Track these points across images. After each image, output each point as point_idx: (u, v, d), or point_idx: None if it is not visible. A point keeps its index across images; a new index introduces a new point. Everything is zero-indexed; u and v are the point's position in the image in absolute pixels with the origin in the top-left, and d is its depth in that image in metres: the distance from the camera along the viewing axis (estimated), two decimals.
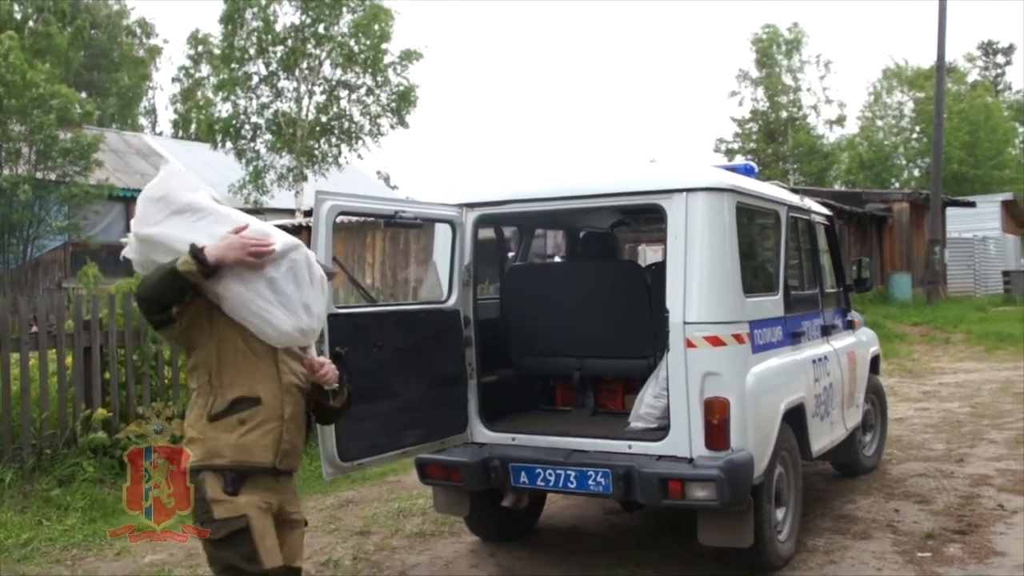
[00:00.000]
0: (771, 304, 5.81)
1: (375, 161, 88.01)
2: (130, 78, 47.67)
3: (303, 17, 27.39)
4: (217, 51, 28.36)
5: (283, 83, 28.05)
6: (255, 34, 27.21)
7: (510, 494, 5.89)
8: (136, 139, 35.52)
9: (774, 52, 51.67)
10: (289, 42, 27.35)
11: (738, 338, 5.18)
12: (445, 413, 5.63)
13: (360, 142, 28.71)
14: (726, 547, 5.49)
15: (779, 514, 5.75)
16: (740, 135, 53.79)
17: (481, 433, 5.79)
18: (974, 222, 34.12)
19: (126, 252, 3.77)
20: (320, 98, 28.25)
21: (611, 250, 7.38)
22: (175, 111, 51.63)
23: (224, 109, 29.13)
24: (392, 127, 28.66)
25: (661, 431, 5.29)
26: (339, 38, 27.54)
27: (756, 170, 6.69)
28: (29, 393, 7.61)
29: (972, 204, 32.78)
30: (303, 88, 27.94)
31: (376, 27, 27.20)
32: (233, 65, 27.49)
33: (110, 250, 26.91)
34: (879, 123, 53.35)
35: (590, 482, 5.29)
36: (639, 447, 5.28)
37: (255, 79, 27.87)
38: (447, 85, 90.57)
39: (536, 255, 10.14)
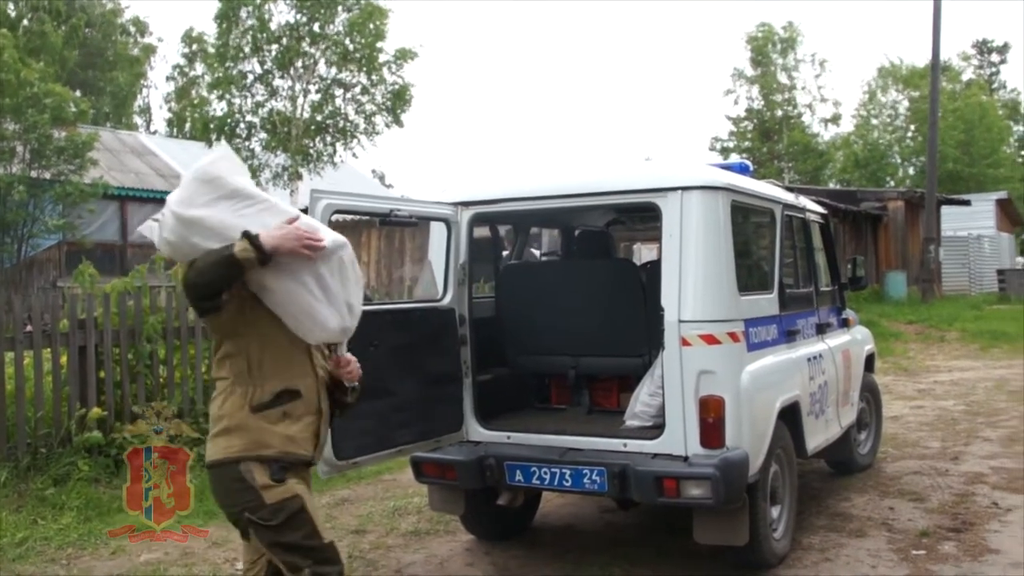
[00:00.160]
0: (766, 302, 5.82)
1: (370, 160, 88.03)
2: (125, 77, 47.59)
3: (298, 16, 27.34)
4: (211, 49, 28.27)
5: (278, 82, 27.98)
6: (250, 32, 27.16)
7: (505, 493, 5.89)
8: (131, 138, 35.43)
9: (769, 51, 51.73)
10: (284, 40, 27.29)
11: (733, 336, 5.19)
12: (440, 412, 5.64)
13: (355, 141, 28.67)
14: (721, 545, 5.49)
15: (774, 512, 5.76)
16: (735, 133, 53.82)
17: (476, 432, 5.79)
18: (969, 220, 34.19)
19: (162, 231, 3.63)
20: (315, 97, 28.19)
21: (606, 248, 7.38)
22: (169, 110, 51.62)
23: (219, 108, 29.09)
24: (387, 126, 28.60)
25: (656, 429, 5.29)
26: (334, 36, 27.49)
27: (751, 168, 6.69)
28: (24, 392, 7.60)
29: (967, 202, 32.86)
30: (298, 87, 27.87)
31: (371, 26, 27.15)
32: (228, 63, 27.43)
33: (105, 249, 26.94)
34: (874, 122, 53.45)
35: (585, 480, 5.29)
36: (634, 445, 5.29)
37: (250, 78, 27.82)
38: (442, 83, 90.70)
39: (542, 252, 10.15)
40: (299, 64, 27.62)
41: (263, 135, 28.08)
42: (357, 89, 28.26)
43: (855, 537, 6.37)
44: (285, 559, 3.68)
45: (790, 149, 51.12)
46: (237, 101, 28.00)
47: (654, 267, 5.85)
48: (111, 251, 27.53)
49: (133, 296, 8.41)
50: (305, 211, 4.07)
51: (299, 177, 27.54)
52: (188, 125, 44.27)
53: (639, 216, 7.71)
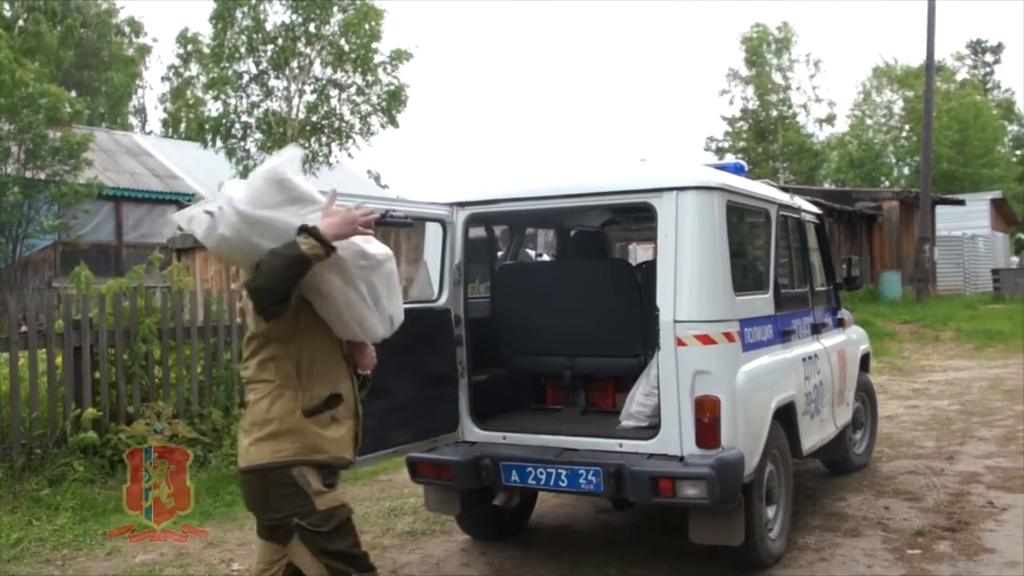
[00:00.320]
0: (761, 302, 5.82)
1: (366, 160, 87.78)
2: (120, 77, 47.52)
3: (293, 16, 27.33)
4: (207, 50, 28.25)
5: (273, 82, 27.96)
6: (245, 33, 27.14)
7: (501, 493, 5.89)
8: (126, 138, 35.39)
9: (764, 51, 51.75)
10: (279, 41, 27.28)
11: (728, 336, 5.19)
12: (436, 412, 5.64)
13: (351, 141, 28.66)
14: (717, 545, 5.50)
15: (770, 512, 5.77)
16: (730, 134, 53.83)
17: (472, 432, 5.79)
18: (963, 220, 34.24)
19: (218, 226, 3.57)
20: (310, 97, 28.19)
21: (602, 249, 7.38)
22: (165, 110, 51.57)
23: (214, 108, 29.07)
24: (383, 126, 28.60)
25: (652, 429, 5.29)
26: (329, 37, 27.48)
27: (746, 169, 6.70)
28: (19, 393, 7.59)
29: (961, 202, 32.90)
30: (293, 87, 27.86)
31: (366, 26, 27.14)
32: (223, 64, 27.41)
33: (100, 249, 26.91)
34: (869, 122, 53.48)
35: (581, 480, 5.30)
36: (630, 445, 5.29)
37: (245, 78, 27.80)
38: (438, 84, 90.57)
39: (537, 253, 10.16)
40: (294, 64, 27.60)
41: (258, 136, 28.06)
42: (352, 90, 28.26)
43: (850, 537, 6.37)
44: (332, 566, 3.68)
45: (785, 149, 51.14)
46: (232, 101, 27.99)
47: (649, 267, 5.85)
48: (106, 251, 27.51)
49: (128, 297, 8.40)
50: None
51: None
52: (183, 126, 44.25)
53: (634, 216, 7.72)
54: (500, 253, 7.71)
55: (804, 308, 6.71)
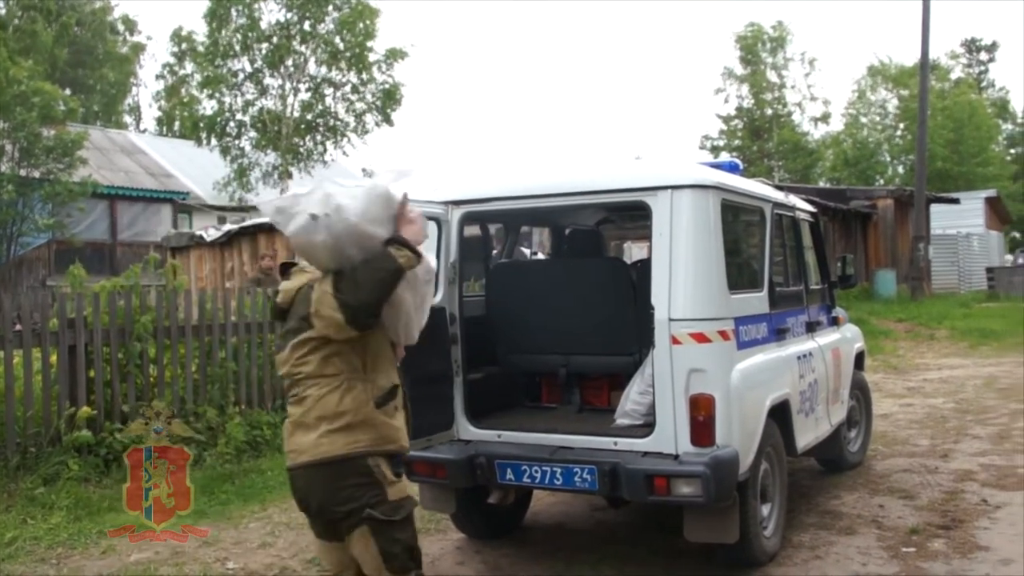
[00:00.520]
0: (756, 301, 5.82)
1: (360, 158, 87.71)
2: (114, 75, 47.47)
3: (288, 14, 27.32)
4: (201, 48, 28.23)
5: (268, 80, 28.00)
6: (240, 31, 27.13)
7: (496, 491, 5.88)
8: (120, 136, 35.37)
9: (759, 50, 51.81)
10: (274, 39, 27.28)
11: (723, 335, 5.19)
12: (431, 410, 5.62)
13: (345, 139, 28.69)
14: (712, 543, 5.50)
15: (764, 510, 5.77)
16: (725, 132, 53.93)
17: (467, 430, 5.79)
18: (958, 219, 34.32)
19: (319, 232, 3.62)
20: (305, 95, 28.20)
21: (597, 247, 7.38)
22: (159, 108, 51.51)
23: (209, 106, 29.07)
24: (377, 124, 28.64)
25: (647, 427, 5.29)
26: (324, 35, 27.48)
27: (741, 167, 6.70)
28: (13, 391, 7.58)
29: (956, 201, 32.93)
30: (288, 85, 27.88)
31: (361, 25, 27.14)
32: (218, 62, 27.40)
33: (94, 248, 26.88)
34: (864, 120, 53.56)
35: (576, 479, 5.29)
36: (625, 443, 5.29)
37: (240, 76, 27.79)
38: (432, 82, 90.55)
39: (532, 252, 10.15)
40: (289, 63, 27.61)
41: (253, 134, 28.10)
42: (347, 88, 28.27)
43: (845, 535, 6.38)
44: (397, 557, 3.75)
45: (780, 148, 51.23)
46: (227, 100, 28.00)
47: (644, 266, 5.85)
48: (101, 250, 27.48)
49: (123, 295, 8.39)
50: None
51: (289, 175, 27.55)
52: (178, 124, 44.22)
53: (629, 215, 7.70)
54: (495, 251, 7.70)
55: (799, 306, 6.71)
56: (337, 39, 27.50)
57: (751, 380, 5.34)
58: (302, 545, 6.45)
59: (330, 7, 27.34)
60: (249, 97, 28.05)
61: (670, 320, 5.06)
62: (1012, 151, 59.16)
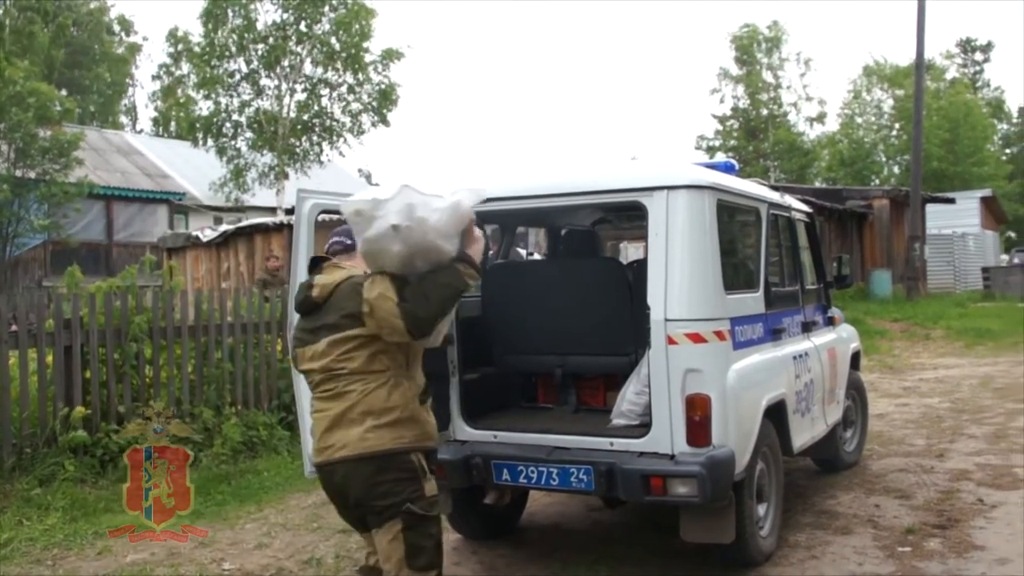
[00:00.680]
0: (752, 301, 5.83)
1: (357, 159, 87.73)
2: (111, 75, 47.41)
3: (284, 15, 27.30)
4: (197, 49, 28.20)
5: (264, 81, 27.95)
6: (236, 32, 27.11)
7: (492, 492, 5.88)
8: (117, 137, 35.35)
9: (754, 50, 51.81)
10: (270, 40, 27.25)
11: (719, 335, 5.19)
12: None
13: (341, 140, 28.66)
14: (708, 543, 5.50)
15: (761, 510, 5.77)
16: (721, 132, 53.91)
17: (463, 431, 5.78)
18: (954, 218, 34.37)
19: (396, 241, 3.71)
20: (301, 96, 28.17)
21: (593, 247, 7.38)
22: (155, 109, 51.45)
23: (205, 107, 29.04)
24: (373, 125, 28.61)
25: (643, 428, 5.29)
26: (320, 36, 27.46)
27: (737, 167, 6.69)
28: (9, 392, 7.57)
29: (952, 201, 32.99)
30: (284, 86, 27.84)
31: (357, 25, 27.11)
32: (214, 62, 27.37)
33: (90, 248, 26.85)
34: (859, 120, 53.57)
35: (572, 479, 5.29)
36: (621, 444, 5.28)
37: (236, 76, 27.76)
38: (429, 82, 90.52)
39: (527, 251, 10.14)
40: (285, 63, 27.58)
41: (249, 134, 28.05)
42: (343, 88, 28.24)
43: (841, 534, 6.38)
44: (425, 552, 3.79)
45: (776, 148, 51.22)
46: (223, 100, 27.96)
47: (640, 266, 5.85)
48: (96, 251, 27.46)
49: (119, 296, 8.38)
50: (291, 211, 4.13)
51: (285, 176, 27.52)
52: (174, 124, 44.18)
53: (625, 215, 7.71)
54: (491, 252, 7.69)
55: (794, 306, 6.72)
56: (333, 40, 27.47)
57: (747, 380, 5.35)
58: (298, 546, 6.46)
59: (326, 8, 27.30)
60: (245, 98, 28.01)
61: (666, 320, 5.06)
62: (1007, 151, 59.32)
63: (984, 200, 39.26)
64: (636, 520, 6.86)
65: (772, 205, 6.43)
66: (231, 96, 27.98)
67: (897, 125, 50.60)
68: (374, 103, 28.28)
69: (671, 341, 5.05)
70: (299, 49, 27.66)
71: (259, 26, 27.26)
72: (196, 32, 28.15)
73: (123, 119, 51.85)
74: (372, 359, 3.78)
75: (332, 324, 3.81)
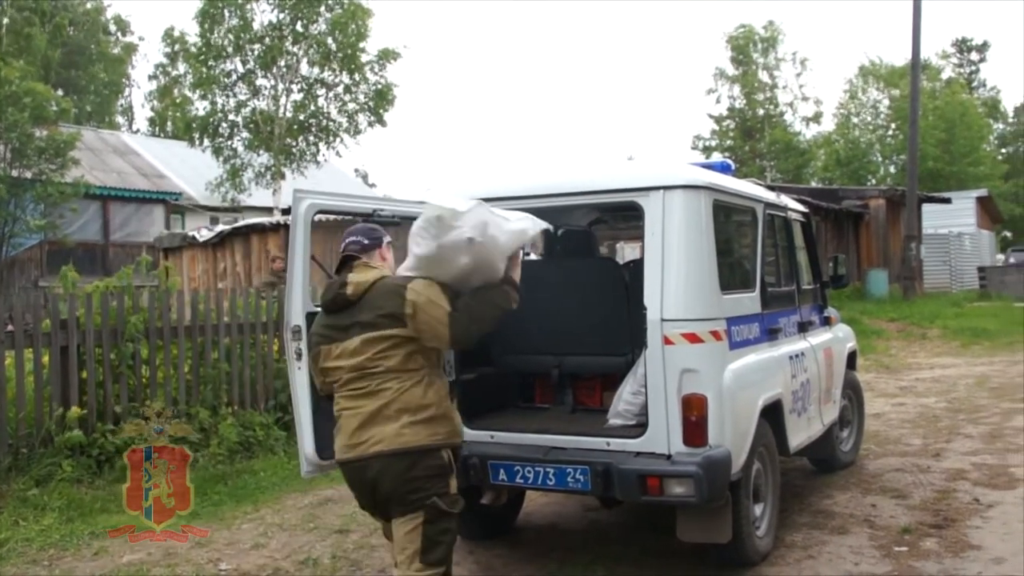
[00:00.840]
0: (748, 301, 5.83)
1: (353, 159, 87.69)
2: (107, 75, 47.36)
3: (281, 15, 27.28)
4: (194, 49, 28.18)
5: (260, 81, 27.94)
6: (232, 32, 27.09)
7: (489, 492, 5.88)
8: (113, 137, 35.29)
9: (750, 50, 51.85)
10: (267, 40, 27.23)
11: (715, 335, 5.20)
12: None
13: (338, 140, 28.64)
14: (705, 543, 5.50)
15: (757, 510, 5.78)
16: (717, 132, 53.98)
17: None
18: (950, 218, 34.40)
19: (465, 254, 3.89)
20: (297, 96, 28.16)
21: (589, 247, 7.38)
22: (152, 109, 51.42)
23: (201, 107, 29.03)
24: (370, 125, 28.59)
25: (639, 428, 5.29)
26: (316, 36, 27.44)
27: (733, 167, 6.71)
28: (5, 392, 7.56)
29: (948, 200, 32.99)
30: (280, 86, 27.82)
31: (353, 25, 27.10)
32: (210, 62, 27.36)
33: (86, 248, 26.81)
34: (855, 120, 53.59)
35: (569, 479, 5.29)
36: (617, 444, 5.28)
37: (232, 77, 27.75)
38: (425, 82, 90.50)
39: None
40: (282, 63, 27.56)
41: (246, 134, 28.04)
42: (340, 88, 28.23)
43: (837, 534, 6.39)
44: (442, 546, 3.87)
45: (772, 148, 51.26)
46: (219, 100, 27.94)
47: (637, 266, 5.84)
48: (93, 251, 27.42)
49: (115, 296, 8.37)
50: (287, 211, 4.17)
51: (282, 176, 27.51)
52: (170, 124, 44.14)
53: (622, 215, 7.71)
54: None
55: (791, 306, 6.72)
56: (329, 40, 27.45)
57: (743, 380, 5.35)
58: (295, 546, 6.46)
59: (322, 8, 27.29)
60: (242, 98, 28.00)
61: (662, 320, 5.06)
62: (1003, 151, 59.36)
63: (980, 200, 39.29)
64: (633, 520, 6.87)
65: (768, 205, 6.43)
66: (227, 96, 27.97)
67: (893, 125, 50.62)
68: (370, 103, 28.27)
69: (667, 341, 5.05)
70: (295, 49, 27.65)
71: (255, 26, 27.25)
72: (192, 32, 28.19)
73: (119, 119, 51.78)
74: (408, 358, 3.88)
75: (367, 322, 3.88)
